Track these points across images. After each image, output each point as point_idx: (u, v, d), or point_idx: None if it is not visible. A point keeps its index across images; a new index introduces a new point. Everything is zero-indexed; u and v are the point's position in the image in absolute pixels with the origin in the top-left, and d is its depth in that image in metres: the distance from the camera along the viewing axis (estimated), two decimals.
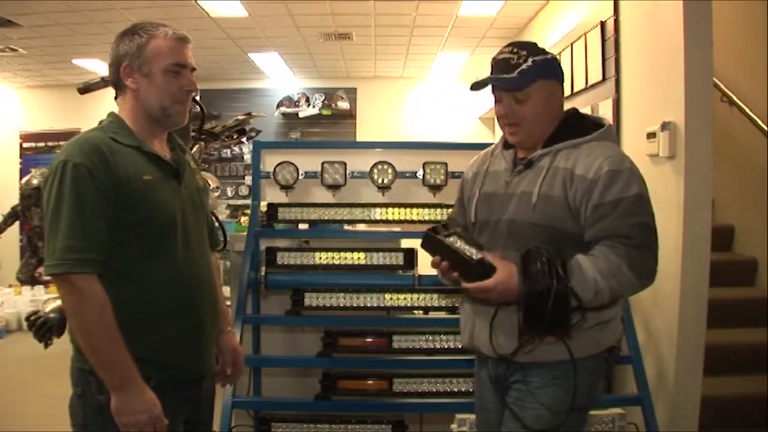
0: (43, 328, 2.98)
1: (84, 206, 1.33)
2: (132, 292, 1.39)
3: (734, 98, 3.61)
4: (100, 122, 1.53)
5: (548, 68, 1.55)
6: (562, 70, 1.62)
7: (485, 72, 1.61)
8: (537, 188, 1.53)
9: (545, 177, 1.53)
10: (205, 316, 1.53)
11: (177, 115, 1.52)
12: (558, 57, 1.64)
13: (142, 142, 1.47)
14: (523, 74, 1.50)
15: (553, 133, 1.58)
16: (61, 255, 1.31)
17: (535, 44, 1.60)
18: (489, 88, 1.60)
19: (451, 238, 1.53)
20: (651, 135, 2.66)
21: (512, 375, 1.58)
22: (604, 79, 3.37)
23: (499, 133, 6.29)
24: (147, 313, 1.41)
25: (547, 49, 1.62)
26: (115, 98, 1.54)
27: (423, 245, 1.59)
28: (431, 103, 7.68)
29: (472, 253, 1.47)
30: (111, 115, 1.52)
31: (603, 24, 3.40)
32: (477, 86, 1.60)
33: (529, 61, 1.51)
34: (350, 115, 7.66)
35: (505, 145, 1.69)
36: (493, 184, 1.65)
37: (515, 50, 1.54)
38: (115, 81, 1.51)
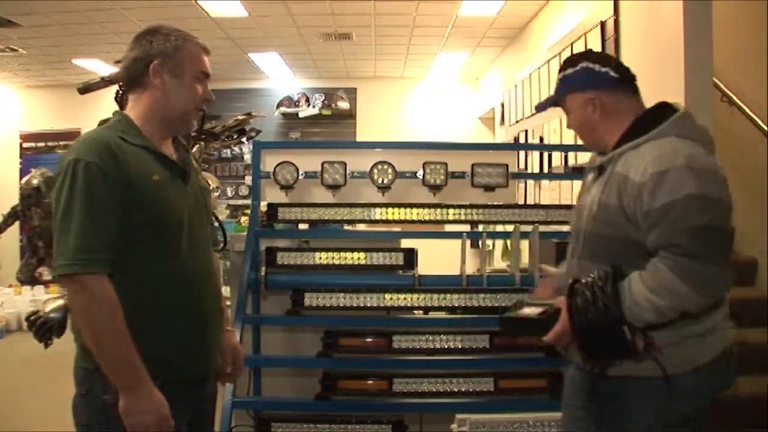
0: (43, 328, 2.98)
1: (96, 206, 1.32)
2: (138, 292, 1.38)
3: (734, 98, 3.61)
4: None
5: (570, 83, 1.58)
6: (600, 76, 1.55)
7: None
8: (598, 197, 1.50)
9: (606, 184, 1.49)
10: (210, 316, 1.53)
11: (190, 122, 1.54)
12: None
13: (150, 141, 1.47)
14: (555, 93, 1.63)
15: (624, 134, 1.52)
16: (72, 255, 1.29)
17: (576, 56, 1.64)
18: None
19: (519, 311, 1.56)
20: None
21: (600, 382, 1.50)
22: None
23: (498, 133, 6.34)
24: (152, 314, 1.40)
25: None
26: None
27: (503, 332, 1.64)
28: (431, 103, 7.69)
29: (533, 312, 1.51)
30: (117, 114, 1.51)
31: (603, 24, 3.40)
32: (539, 110, 1.78)
33: (558, 79, 1.61)
34: (350, 115, 7.66)
35: (600, 151, 1.66)
36: (584, 192, 1.66)
37: (561, 66, 1.63)
38: (135, 77, 1.48)
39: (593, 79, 1.55)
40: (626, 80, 1.57)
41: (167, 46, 1.47)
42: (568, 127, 1.67)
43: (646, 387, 1.42)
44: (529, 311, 1.51)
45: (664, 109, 1.53)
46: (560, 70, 1.62)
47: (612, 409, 1.49)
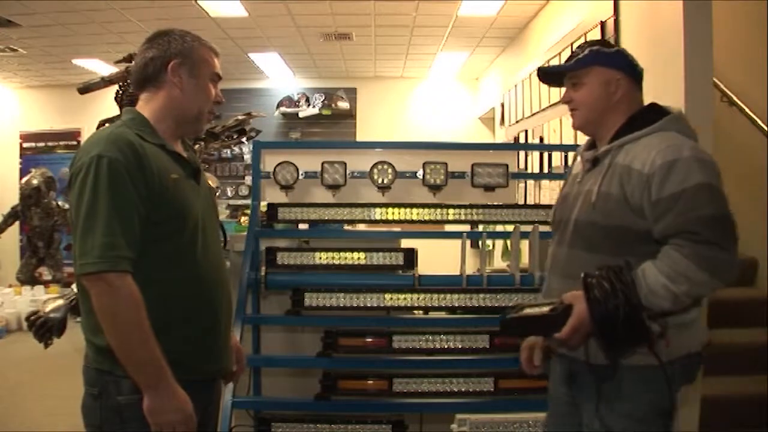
0: (43, 328, 2.98)
1: (121, 203, 1.31)
2: (153, 291, 1.36)
3: (734, 98, 3.61)
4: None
5: (607, 57, 1.57)
6: (631, 63, 1.60)
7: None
8: (597, 186, 1.52)
9: (605, 174, 1.51)
10: (222, 316, 1.53)
11: (202, 123, 1.55)
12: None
13: (165, 140, 1.47)
14: (577, 61, 1.59)
15: (620, 128, 1.56)
16: (99, 253, 1.28)
17: (606, 41, 1.65)
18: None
19: (522, 312, 1.51)
20: None
21: (588, 372, 1.51)
22: None
23: (498, 133, 6.33)
24: (168, 313, 1.39)
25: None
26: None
27: (506, 333, 1.67)
28: (431, 103, 7.68)
29: (541, 310, 1.47)
30: (130, 111, 1.49)
31: (603, 24, 3.40)
32: (541, 75, 1.75)
33: (586, 51, 1.59)
34: (350, 115, 7.66)
35: (588, 146, 1.68)
36: (570, 184, 1.68)
37: (583, 46, 1.63)
38: (151, 76, 1.48)
39: (627, 64, 1.59)
40: (641, 78, 1.63)
41: (185, 46, 1.48)
42: (565, 101, 1.65)
43: (639, 375, 1.45)
44: (534, 311, 1.49)
45: (657, 109, 1.59)
46: (591, 45, 1.61)
47: (606, 398, 1.48)
